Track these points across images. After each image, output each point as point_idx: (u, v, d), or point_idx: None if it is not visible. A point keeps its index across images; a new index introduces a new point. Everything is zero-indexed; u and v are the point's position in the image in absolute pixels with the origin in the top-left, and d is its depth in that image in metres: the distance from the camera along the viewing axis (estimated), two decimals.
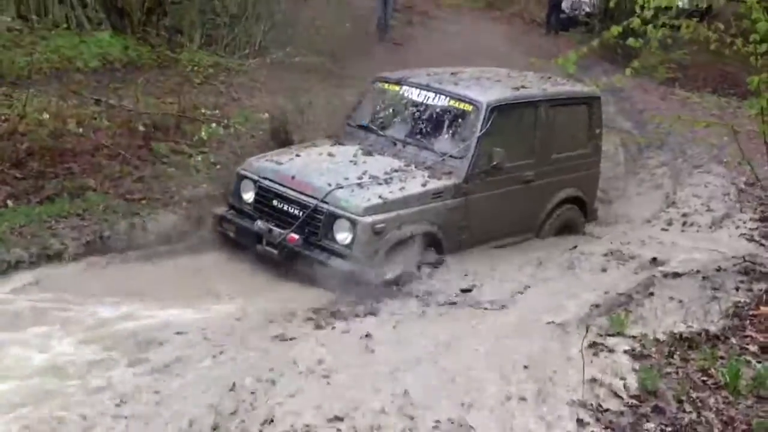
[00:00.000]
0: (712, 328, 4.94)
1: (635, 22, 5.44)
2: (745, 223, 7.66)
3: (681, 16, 6.50)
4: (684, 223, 7.81)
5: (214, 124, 8.23)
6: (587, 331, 4.50)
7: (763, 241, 7.14)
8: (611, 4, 7.26)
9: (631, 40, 5.63)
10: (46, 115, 7.61)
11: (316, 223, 5.93)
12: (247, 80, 11.42)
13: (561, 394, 4.02)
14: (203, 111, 8.67)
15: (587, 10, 19.26)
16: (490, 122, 6.47)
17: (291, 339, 4.61)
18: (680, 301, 5.41)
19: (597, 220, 8.04)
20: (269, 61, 13.33)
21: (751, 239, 7.14)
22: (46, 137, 7.09)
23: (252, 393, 3.84)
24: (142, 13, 12.25)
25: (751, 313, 5.18)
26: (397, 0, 16.40)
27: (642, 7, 5.99)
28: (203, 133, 7.96)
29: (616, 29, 5.28)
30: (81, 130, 7.38)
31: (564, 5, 19.60)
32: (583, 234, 7.63)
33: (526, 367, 4.30)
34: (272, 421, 3.61)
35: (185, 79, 10.34)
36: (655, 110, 11.52)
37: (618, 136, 10.97)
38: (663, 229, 7.67)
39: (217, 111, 8.77)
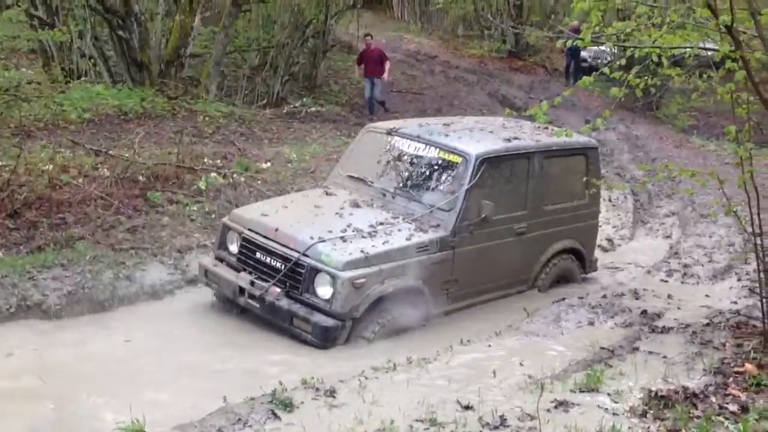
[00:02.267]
0: (693, 386, 4.73)
1: (606, 70, 5.38)
2: (748, 274, 7.41)
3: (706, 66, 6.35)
4: (684, 275, 7.60)
5: (213, 174, 8.32)
6: (542, 390, 4.34)
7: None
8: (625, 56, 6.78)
9: (614, 90, 5.54)
10: (49, 166, 7.81)
11: (297, 276, 5.87)
12: (259, 130, 11.62)
13: None
14: (205, 161, 8.80)
15: (609, 59, 19.22)
16: (479, 174, 6.39)
17: None
18: (664, 357, 5.20)
19: (596, 270, 7.87)
20: (285, 111, 13.59)
21: (752, 292, 6.88)
22: (44, 188, 7.25)
23: None
24: (160, 66, 12.60)
25: (735, 370, 4.95)
26: (385, 82, 14.78)
27: (659, 57, 5.96)
28: (201, 183, 8.05)
29: (587, 80, 5.23)
30: (80, 180, 7.53)
31: (585, 54, 19.64)
32: (580, 285, 7.49)
33: (486, 423, 4.17)
34: None
35: (196, 129, 10.57)
36: (667, 159, 11.34)
37: (629, 184, 10.84)
38: (662, 281, 7.47)
39: (218, 161, 8.88)
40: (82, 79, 12.33)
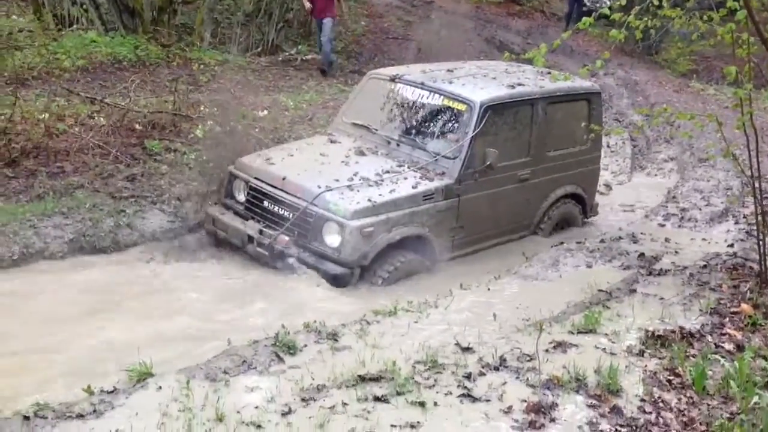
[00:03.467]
0: (689, 326, 4.81)
1: (604, 11, 5.31)
2: (745, 217, 7.46)
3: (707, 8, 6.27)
4: (681, 218, 7.64)
5: (210, 122, 8.26)
6: (541, 332, 4.41)
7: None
8: None
9: (613, 32, 5.48)
10: (45, 114, 7.75)
11: (306, 225, 5.92)
12: (255, 78, 11.49)
13: (515, 392, 3.96)
14: (202, 109, 8.73)
15: (608, 3, 18.95)
16: (483, 122, 6.37)
17: None
18: (661, 299, 5.28)
19: (597, 215, 7.91)
20: (281, 59, 13.41)
21: (749, 234, 6.93)
22: (41, 136, 7.21)
23: None
24: (152, 13, 12.39)
25: (732, 310, 5.04)
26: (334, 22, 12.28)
27: None
28: (199, 131, 8.00)
29: (588, 20, 5.17)
30: (77, 129, 7.49)
31: None
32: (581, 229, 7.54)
33: (486, 364, 4.25)
34: None
35: (191, 77, 10.46)
36: (666, 103, 11.26)
37: (626, 129, 10.82)
38: (660, 225, 7.51)
39: (215, 109, 8.81)
40: (74, 26, 12.13)
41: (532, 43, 16.89)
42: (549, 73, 7.45)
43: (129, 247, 6.30)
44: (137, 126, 7.89)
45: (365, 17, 17.29)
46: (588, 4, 19.58)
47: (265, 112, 9.07)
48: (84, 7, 12.42)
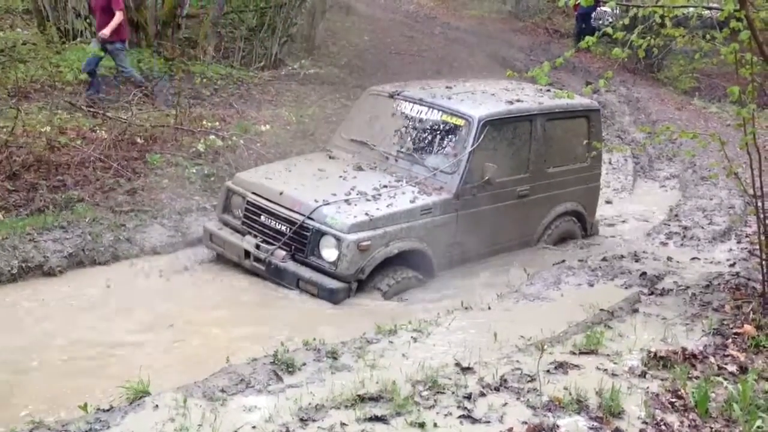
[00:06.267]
0: (692, 347, 4.77)
1: (608, 30, 5.32)
2: (747, 237, 7.43)
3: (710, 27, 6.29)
4: (684, 237, 7.60)
5: (212, 136, 8.26)
6: (542, 352, 4.37)
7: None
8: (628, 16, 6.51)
9: (616, 50, 5.48)
10: (47, 128, 7.75)
11: (303, 239, 5.91)
12: (258, 92, 11.51)
13: (515, 413, 3.91)
14: (204, 123, 8.73)
15: (610, 20, 19.01)
16: (482, 137, 6.38)
17: None
18: (663, 319, 5.23)
19: (597, 233, 7.88)
20: (284, 73, 13.43)
21: (752, 254, 6.90)
22: (43, 149, 7.20)
23: None
24: (156, 27, 12.43)
25: (735, 331, 4.99)
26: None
27: (662, 17, 5.88)
28: (200, 146, 7.99)
29: (591, 39, 5.17)
30: (78, 142, 7.48)
31: None
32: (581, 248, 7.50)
33: (486, 385, 4.20)
34: None
35: (194, 91, 10.46)
36: (668, 121, 11.28)
37: (629, 146, 10.80)
38: (662, 243, 7.48)
39: (217, 123, 8.81)
40: (78, 39, 12.16)
41: (535, 60, 16.94)
42: (548, 90, 7.45)
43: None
44: (138, 140, 7.89)
45: (369, 32, 17.36)
46: (591, 22, 19.68)
47: (267, 126, 9.07)
48: (88, 20, 12.45)
